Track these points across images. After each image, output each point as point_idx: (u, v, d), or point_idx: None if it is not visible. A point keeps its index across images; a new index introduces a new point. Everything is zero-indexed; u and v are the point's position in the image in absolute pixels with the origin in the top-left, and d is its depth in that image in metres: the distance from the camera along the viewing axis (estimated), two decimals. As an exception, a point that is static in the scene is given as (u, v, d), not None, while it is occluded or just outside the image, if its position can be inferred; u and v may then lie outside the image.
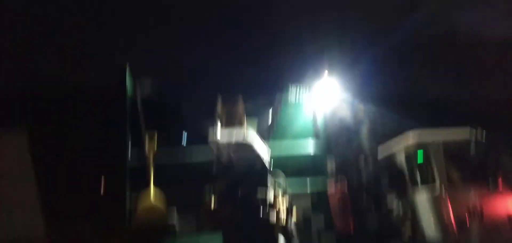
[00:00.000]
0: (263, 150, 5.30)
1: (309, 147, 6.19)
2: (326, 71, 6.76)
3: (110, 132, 5.30)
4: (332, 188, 5.74)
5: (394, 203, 5.92)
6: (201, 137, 5.80)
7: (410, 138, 6.32)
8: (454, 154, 6.14)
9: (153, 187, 5.09)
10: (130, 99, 5.63)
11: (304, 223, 5.56)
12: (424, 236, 5.79)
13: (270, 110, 6.68)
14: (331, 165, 6.16)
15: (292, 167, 6.03)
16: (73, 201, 4.87)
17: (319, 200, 5.87)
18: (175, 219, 5.20)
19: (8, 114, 4.97)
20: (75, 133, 5.20)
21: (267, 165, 4.69)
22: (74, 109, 5.28)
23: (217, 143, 5.28)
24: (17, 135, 4.87)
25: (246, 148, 5.17)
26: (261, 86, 5.75)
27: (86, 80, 5.47)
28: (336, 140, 6.43)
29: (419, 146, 6.22)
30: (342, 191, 5.63)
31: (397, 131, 6.74)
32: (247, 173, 4.62)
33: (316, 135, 6.35)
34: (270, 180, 4.80)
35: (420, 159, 6.19)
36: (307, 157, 6.18)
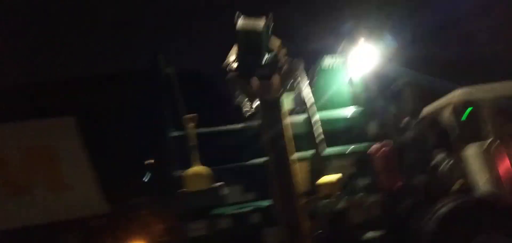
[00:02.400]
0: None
1: (349, 114, 6.08)
2: (363, 37, 6.60)
3: (150, 115, 5.53)
4: (375, 149, 5.63)
5: (441, 160, 5.73)
6: (242, 115, 5.90)
7: (458, 95, 6.11)
8: (505, 109, 5.89)
9: (199, 164, 5.32)
10: (167, 84, 5.80)
11: (349, 187, 5.50)
12: (473, 191, 5.59)
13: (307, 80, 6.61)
14: (373, 130, 6.04)
15: (333, 135, 5.97)
16: (124, 181, 5.16)
17: (363, 164, 5.76)
18: (223, 190, 5.36)
19: (58, 102, 5.35)
20: (119, 118, 5.47)
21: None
22: (115, 95, 5.55)
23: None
24: (69, 122, 5.21)
25: None
26: (297, 56, 5.71)
27: (126, 68, 5.72)
28: (378, 105, 6.28)
29: (468, 102, 6.01)
30: (386, 150, 5.52)
31: (442, 93, 6.52)
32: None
33: (356, 102, 6.23)
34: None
35: (467, 116, 5.98)
36: (347, 124, 6.07)
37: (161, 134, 5.44)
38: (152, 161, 5.33)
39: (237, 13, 4.54)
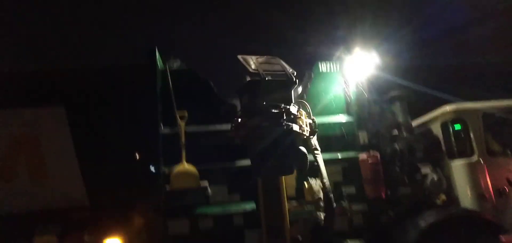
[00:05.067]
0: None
1: (340, 122, 6.10)
2: (358, 46, 6.64)
3: (142, 110, 5.52)
4: (364, 157, 5.67)
5: (427, 174, 5.79)
6: (232, 115, 5.90)
7: (447, 110, 6.20)
8: (493, 125, 5.99)
9: (186, 162, 5.33)
10: (161, 79, 5.80)
11: (335, 194, 5.53)
12: (458, 204, 5.67)
13: (300, 88, 6.64)
14: (363, 139, 6.07)
15: (324, 142, 6.00)
16: (111, 173, 5.16)
17: (351, 172, 5.80)
18: (208, 190, 5.37)
19: (48, 93, 5.33)
20: (109, 112, 5.46)
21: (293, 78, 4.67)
22: (108, 88, 5.54)
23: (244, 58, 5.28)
24: (57, 113, 5.19)
25: (274, 61, 5.08)
26: (291, 63, 5.72)
27: (118, 61, 5.70)
28: (369, 114, 6.32)
29: (457, 118, 6.09)
30: (374, 159, 5.56)
31: (433, 106, 6.60)
32: (274, 85, 4.64)
33: (347, 110, 6.26)
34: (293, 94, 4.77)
35: (457, 130, 6.06)
36: (338, 132, 6.09)
37: (151, 130, 5.43)
38: (139, 156, 5.31)
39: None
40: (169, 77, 5.78)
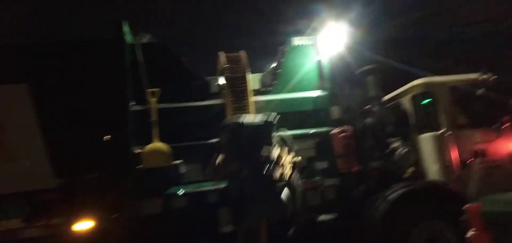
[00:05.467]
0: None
1: (314, 97, 6.12)
2: (331, 19, 6.60)
3: (111, 87, 5.34)
4: (335, 133, 5.74)
5: (397, 147, 5.94)
6: (205, 93, 5.82)
7: (416, 84, 6.31)
8: (461, 99, 6.16)
9: (158, 141, 5.23)
10: (130, 55, 5.61)
11: (308, 169, 5.60)
12: (426, 176, 5.88)
13: (274, 63, 6.58)
14: (336, 113, 6.13)
15: (297, 117, 6.02)
16: (79, 153, 5.01)
17: (323, 147, 5.86)
18: (181, 169, 5.31)
19: (10, 69, 5.06)
20: (76, 88, 5.26)
21: (273, 121, 4.66)
22: (75, 64, 5.31)
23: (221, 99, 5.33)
24: (20, 90, 4.95)
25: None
26: (264, 38, 5.63)
27: (84, 35, 5.44)
28: (342, 89, 6.36)
29: (426, 92, 6.22)
30: (346, 134, 5.64)
31: (404, 80, 6.70)
32: (253, 130, 4.62)
33: (321, 85, 6.27)
34: (275, 138, 4.76)
35: (426, 104, 6.20)
36: (313, 107, 6.12)
37: (121, 108, 5.27)
38: (109, 136, 5.16)
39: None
40: (139, 52, 5.59)
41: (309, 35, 6.48)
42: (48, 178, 4.92)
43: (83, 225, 4.93)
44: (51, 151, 4.97)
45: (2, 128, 4.89)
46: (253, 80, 5.94)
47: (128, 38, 5.71)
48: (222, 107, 5.65)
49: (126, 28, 5.64)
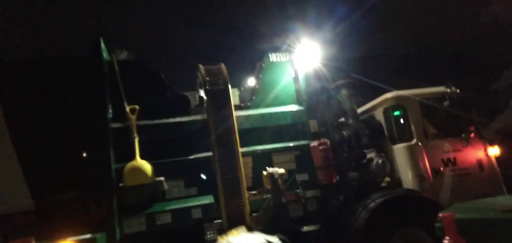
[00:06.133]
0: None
1: (292, 111, 6.26)
2: (305, 36, 6.84)
3: (90, 104, 5.23)
4: (315, 144, 5.89)
5: (373, 157, 6.17)
6: (186, 107, 5.80)
7: (388, 98, 6.62)
8: (429, 110, 6.52)
9: (139, 158, 5.15)
10: (108, 72, 5.54)
11: (290, 182, 5.69)
12: (400, 185, 6.14)
13: (251, 78, 6.70)
14: (313, 127, 6.29)
15: (276, 131, 6.13)
16: (57, 173, 4.84)
17: (303, 160, 5.99)
18: (164, 185, 5.25)
19: None
20: (53, 106, 5.11)
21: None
22: (51, 81, 5.17)
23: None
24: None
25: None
26: (240, 53, 5.73)
27: (61, 52, 5.31)
28: (318, 103, 6.56)
29: (397, 105, 6.53)
30: (324, 146, 5.80)
31: (376, 93, 7.01)
32: None
33: (298, 99, 6.43)
34: None
35: (397, 116, 6.51)
36: (290, 121, 6.25)
37: (100, 125, 5.16)
38: (88, 153, 5.03)
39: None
40: (117, 69, 5.52)
41: (285, 51, 6.66)
42: (25, 200, 4.70)
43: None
44: (27, 171, 4.76)
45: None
46: (232, 95, 6.01)
47: (105, 54, 5.63)
48: (203, 122, 5.66)
49: (102, 45, 5.57)
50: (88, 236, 4.81)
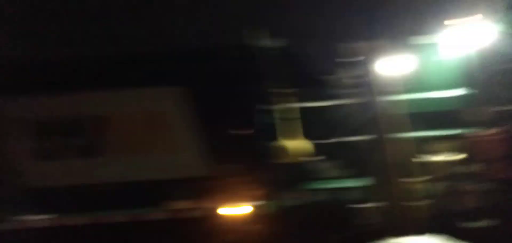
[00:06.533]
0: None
1: (458, 96, 5.70)
2: (475, 13, 6.07)
3: (254, 88, 5.70)
4: (489, 134, 5.25)
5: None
6: (340, 89, 5.85)
7: None
8: None
9: (300, 138, 5.45)
10: (262, 57, 5.89)
11: (453, 172, 5.25)
12: None
13: (405, 60, 6.28)
14: (483, 114, 5.61)
15: (434, 117, 5.69)
16: (228, 147, 5.47)
17: (469, 150, 5.42)
18: (322, 165, 5.46)
19: (167, 75, 5.71)
20: (223, 89, 5.73)
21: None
22: (219, 68, 5.78)
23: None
24: (179, 91, 5.60)
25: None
26: (395, 31, 5.44)
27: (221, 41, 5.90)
28: (487, 88, 5.79)
29: None
30: (503, 136, 5.12)
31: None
32: None
33: (464, 83, 5.81)
34: None
35: None
36: (452, 106, 5.71)
37: (265, 106, 5.61)
38: (254, 131, 5.53)
39: None
40: (274, 56, 5.87)
41: (447, 30, 6.04)
42: (203, 167, 5.48)
43: (231, 210, 5.40)
44: (204, 144, 5.53)
45: (168, 123, 5.61)
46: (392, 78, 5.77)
47: (261, 42, 6.01)
48: (363, 104, 5.62)
49: (257, 33, 5.95)
50: (252, 203, 5.38)
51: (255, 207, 5.38)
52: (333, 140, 5.54)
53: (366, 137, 5.44)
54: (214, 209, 5.43)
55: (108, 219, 5.55)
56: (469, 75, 5.77)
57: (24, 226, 5.52)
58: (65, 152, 5.68)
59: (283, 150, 5.41)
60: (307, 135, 5.45)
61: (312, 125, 5.52)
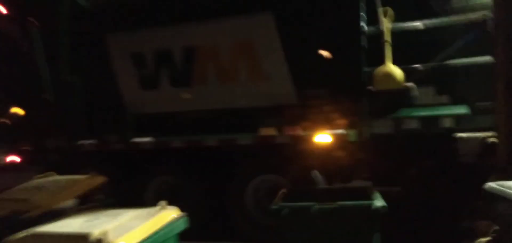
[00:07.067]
0: None
1: None
2: None
3: (344, 10, 5.44)
4: None
5: None
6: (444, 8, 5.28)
7: None
8: None
9: (390, 63, 5.14)
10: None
11: None
12: None
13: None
14: None
15: None
16: (315, 74, 5.45)
17: None
18: (414, 91, 5.16)
19: (256, 2, 5.74)
20: (312, 15, 5.58)
21: None
22: None
23: None
24: (268, 18, 5.61)
25: None
26: None
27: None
28: None
29: None
30: None
31: None
32: None
33: None
34: None
35: None
36: None
37: (352, 27, 5.36)
38: (341, 55, 5.35)
39: None
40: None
41: None
42: (290, 95, 5.59)
43: (321, 137, 5.47)
44: (292, 72, 5.55)
45: (257, 51, 5.71)
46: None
47: None
48: (462, 25, 5.06)
49: None
50: (341, 131, 5.38)
51: (345, 134, 5.37)
52: (425, 65, 5.14)
53: (463, 60, 4.93)
54: (305, 136, 5.54)
55: (201, 143, 6.01)
56: None
57: (134, 147, 6.30)
58: (162, 82, 6.19)
59: (375, 76, 5.20)
60: (400, 59, 5.11)
61: (404, 48, 5.15)
